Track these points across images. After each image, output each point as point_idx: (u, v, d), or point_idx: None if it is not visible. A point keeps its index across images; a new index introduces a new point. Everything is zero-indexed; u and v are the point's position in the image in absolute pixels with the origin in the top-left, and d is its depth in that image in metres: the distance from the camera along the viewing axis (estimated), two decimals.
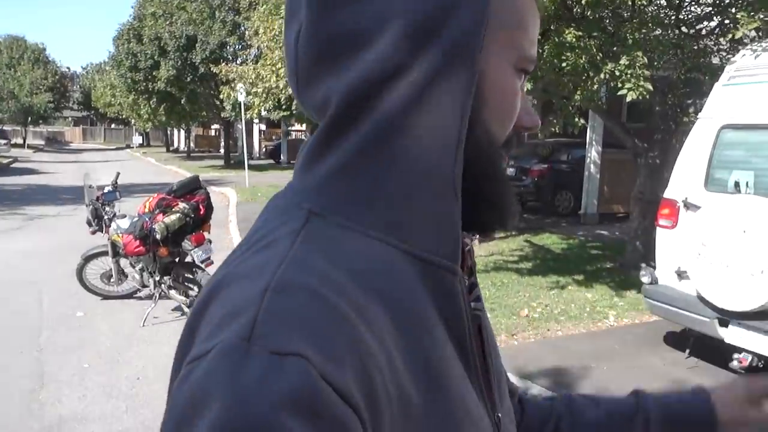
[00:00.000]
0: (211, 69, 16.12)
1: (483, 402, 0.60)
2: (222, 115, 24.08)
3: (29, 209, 13.14)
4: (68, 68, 64.22)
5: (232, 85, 14.23)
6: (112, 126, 61.21)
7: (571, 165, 11.91)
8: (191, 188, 5.49)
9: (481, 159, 0.58)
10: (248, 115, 14.45)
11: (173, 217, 5.18)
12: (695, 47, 6.44)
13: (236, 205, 13.23)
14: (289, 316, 0.45)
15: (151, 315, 5.59)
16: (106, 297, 6.28)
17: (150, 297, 5.85)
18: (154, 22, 22.79)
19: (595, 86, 5.68)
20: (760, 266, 3.86)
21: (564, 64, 5.53)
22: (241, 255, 0.54)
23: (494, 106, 0.58)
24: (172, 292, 5.58)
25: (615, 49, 5.72)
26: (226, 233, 9.87)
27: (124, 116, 38.19)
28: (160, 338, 5.24)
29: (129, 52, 23.94)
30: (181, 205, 5.28)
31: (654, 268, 4.86)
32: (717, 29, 6.60)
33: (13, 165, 27.94)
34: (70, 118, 67.26)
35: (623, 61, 5.44)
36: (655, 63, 5.97)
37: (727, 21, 6.28)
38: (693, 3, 6.56)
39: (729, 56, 6.34)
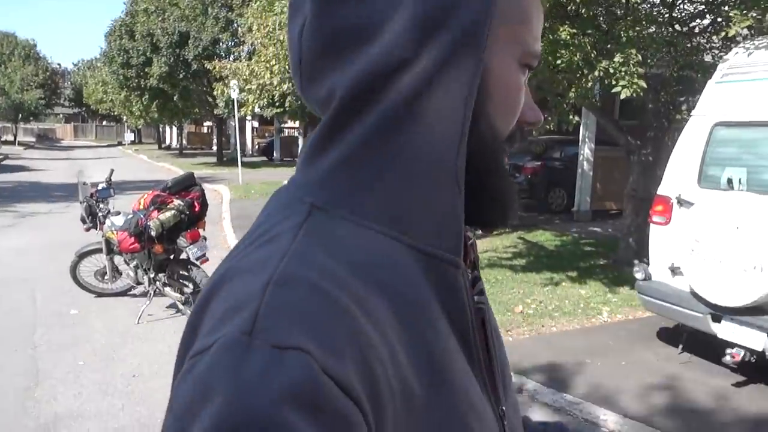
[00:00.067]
0: (205, 65, 16.03)
1: (487, 395, 0.60)
2: (215, 112, 24.00)
3: (21, 206, 13.06)
4: (59, 65, 63.69)
5: (226, 81, 14.19)
6: (104, 123, 60.89)
7: (564, 162, 11.96)
8: (186, 185, 5.48)
9: (484, 153, 0.58)
10: (242, 112, 14.42)
11: (168, 214, 5.16)
12: (688, 45, 6.48)
13: (229, 202, 13.20)
14: (291, 310, 0.45)
15: (145, 312, 5.58)
16: (100, 294, 6.26)
17: (144, 294, 5.84)
18: (146, 18, 22.68)
19: (590, 83, 5.71)
20: (752, 262, 3.90)
21: (559, 62, 5.56)
22: (244, 249, 0.54)
23: (498, 100, 0.58)
24: (167, 289, 5.56)
25: (609, 46, 5.75)
26: (220, 230, 9.86)
27: (115, 113, 38.03)
28: (155, 335, 5.23)
29: (121, 49, 23.81)
30: (176, 202, 5.26)
31: (647, 264, 4.90)
32: (710, 27, 6.63)
33: (4, 162, 27.73)
34: (61, 115, 66.91)
35: (617, 58, 5.47)
36: (649, 61, 6.01)
37: (719, 19, 6.32)
38: (686, 1, 6.59)
39: (721, 54, 6.38)
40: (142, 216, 5.16)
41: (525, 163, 11.90)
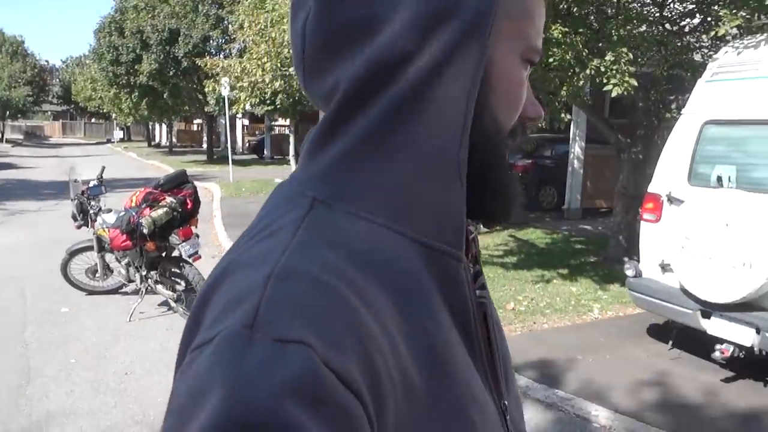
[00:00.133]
0: (196, 63, 15.94)
1: (489, 389, 0.60)
2: (205, 110, 23.89)
3: (9, 204, 12.96)
4: (47, 61, 63.21)
5: (217, 78, 14.13)
6: (93, 120, 60.42)
7: (554, 160, 12.01)
8: (178, 182, 5.46)
9: (487, 147, 0.59)
10: (233, 110, 14.37)
11: (160, 211, 5.14)
12: (678, 44, 6.53)
13: (220, 200, 13.16)
14: (292, 303, 0.45)
15: (137, 310, 5.56)
16: (91, 292, 6.23)
17: (136, 292, 5.83)
18: (136, 15, 22.53)
19: (581, 82, 5.75)
20: (742, 259, 3.94)
21: (551, 60, 5.58)
22: (246, 243, 0.54)
23: (501, 94, 0.58)
24: (159, 287, 5.55)
25: (600, 45, 5.79)
26: (211, 228, 9.83)
27: (104, 110, 37.76)
28: (147, 333, 5.22)
29: (110, 46, 23.65)
30: (168, 199, 5.25)
31: (638, 261, 4.94)
32: (700, 26, 6.69)
33: None
34: (49, 113, 66.37)
35: (609, 57, 5.50)
36: (639, 59, 6.05)
37: (709, 18, 6.38)
38: (676, 0, 6.64)
39: (711, 53, 6.44)
40: (134, 213, 5.14)
41: (516, 161, 11.94)
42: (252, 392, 0.40)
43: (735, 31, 5.76)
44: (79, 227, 5.99)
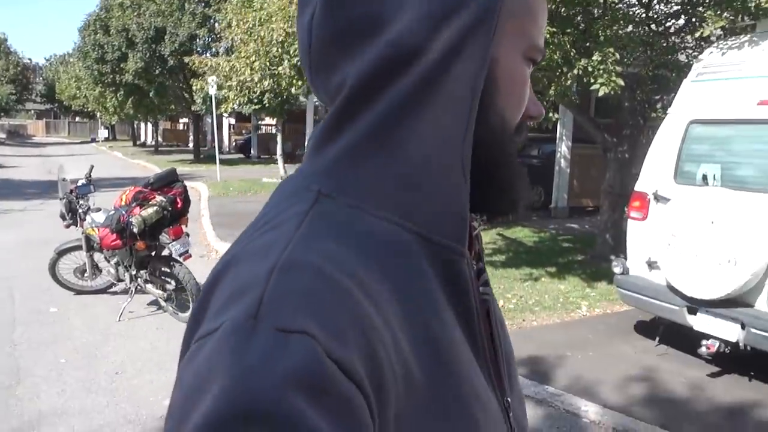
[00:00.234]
0: (184, 61, 15.83)
1: (492, 386, 0.60)
2: (192, 109, 23.75)
3: None
4: (30, 60, 62.46)
5: (204, 77, 14.07)
6: (77, 119, 59.85)
7: (541, 160, 12.09)
8: (168, 181, 5.45)
9: (494, 144, 0.59)
10: (221, 109, 14.31)
11: (150, 210, 5.13)
12: (663, 44, 6.62)
13: (208, 199, 13.10)
14: (295, 294, 0.45)
15: (127, 309, 5.54)
16: (79, 292, 6.19)
17: (125, 292, 5.80)
18: (121, 13, 22.33)
19: (569, 81, 5.80)
20: (727, 256, 4.01)
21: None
22: (250, 236, 0.54)
23: (506, 92, 0.59)
24: (149, 286, 5.53)
25: (587, 45, 5.85)
26: (199, 228, 9.80)
27: (89, 109, 37.41)
28: (137, 333, 5.20)
29: (96, 44, 23.43)
30: (159, 198, 5.23)
31: (625, 259, 5.00)
32: (685, 27, 6.78)
33: None
34: (32, 111, 65.68)
35: (596, 57, 5.57)
36: (625, 60, 6.12)
37: (694, 19, 6.46)
38: (662, 1, 6.72)
39: (695, 53, 6.54)
40: (124, 212, 5.12)
41: None
42: (255, 382, 0.41)
43: (719, 32, 5.86)
44: (68, 226, 5.95)
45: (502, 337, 0.67)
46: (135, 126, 42.20)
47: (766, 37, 4.70)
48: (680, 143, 4.73)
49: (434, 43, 0.53)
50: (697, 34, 5.92)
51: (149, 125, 40.21)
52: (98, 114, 37.12)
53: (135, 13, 21.75)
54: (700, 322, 4.29)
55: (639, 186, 4.95)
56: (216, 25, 19.35)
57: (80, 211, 5.79)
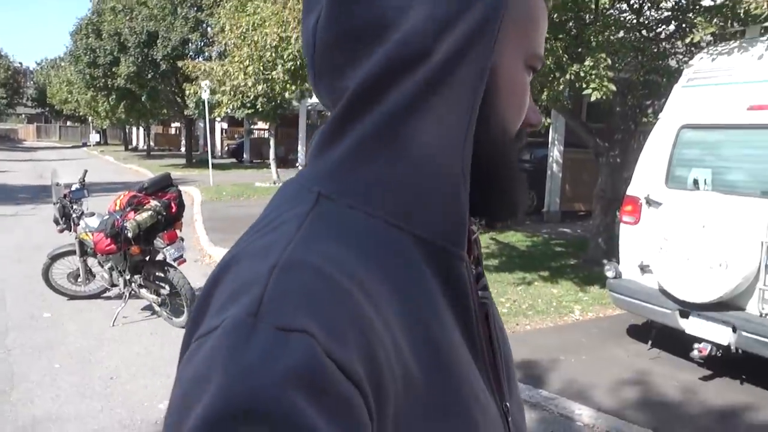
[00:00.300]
0: (177, 65, 15.79)
1: (491, 390, 0.60)
2: (185, 113, 23.70)
3: None
4: (21, 63, 62.22)
5: (197, 82, 14.05)
6: (68, 123, 59.58)
7: (533, 164, 12.14)
8: (163, 186, 5.45)
9: (495, 149, 0.59)
10: (215, 114, 14.29)
11: (145, 215, 5.13)
12: (654, 50, 6.68)
13: (201, 204, 13.08)
14: (296, 293, 0.46)
15: (121, 314, 5.53)
16: (72, 297, 6.17)
17: (119, 297, 5.79)
18: (113, 17, 22.29)
19: (561, 86, 5.85)
20: (718, 259, 4.05)
21: None
22: (251, 236, 0.54)
23: (507, 98, 0.59)
24: (143, 291, 5.52)
25: (579, 50, 5.90)
26: (193, 232, 9.77)
27: (80, 113, 37.27)
28: (131, 337, 5.19)
29: (87, 48, 23.35)
30: (153, 202, 5.23)
31: (617, 262, 5.04)
32: (675, 33, 6.84)
33: None
34: (23, 116, 65.36)
35: (588, 62, 5.61)
36: (617, 65, 6.18)
37: (684, 25, 6.53)
38: (652, 7, 6.79)
39: (685, 59, 6.60)
40: (118, 217, 5.11)
41: None
42: (255, 380, 0.41)
43: (709, 38, 5.92)
44: (61, 231, 5.93)
45: (502, 341, 0.68)
46: (127, 130, 42.04)
47: (756, 42, 4.76)
48: (671, 148, 4.77)
49: (438, 47, 0.54)
50: (688, 40, 5.99)
51: (141, 129, 40.06)
52: (90, 118, 36.99)
53: (127, 17, 21.70)
54: (692, 325, 4.32)
55: (631, 190, 4.99)
56: (209, 29, 19.36)
57: (74, 215, 5.77)
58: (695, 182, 4.59)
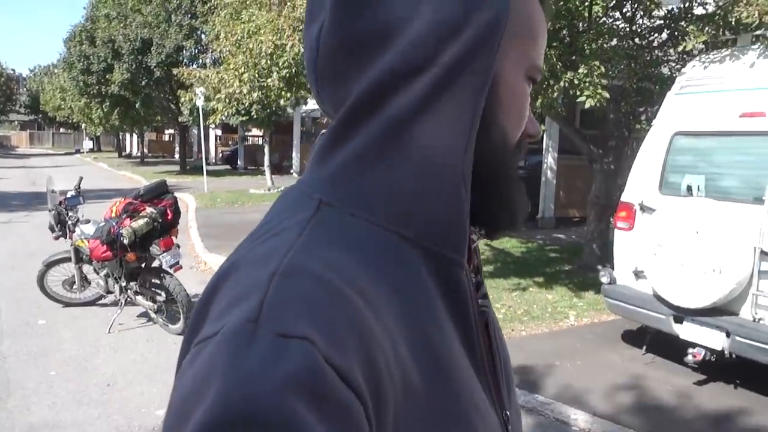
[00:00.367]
0: (172, 72, 15.79)
1: (490, 399, 0.60)
2: (179, 120, 23.68)
3: None
4: (14, 70, 61.99)
5: (192, 89, 14.06)
6: (61, 130, 59.41)
7: (528, 171, 12.17)
8: (158, 193, 5.46)
9: (495, 159, 0.60)
10: (210, 121, 14.30)
11: (141, 221, 5.13)
12: (647, 58, 6.74)
13: (195, 210, 13.07)
14: (296, 300, 0.46)
15: (116, 322, 5.52)
16: (68, 304, 6.16)
17: (114, 304, 5.78)
18: (107, 24, 22.27)
19: (555, 94, 5.89)
20: (712, 265, 4.09)
21: None
22: (251, 243, 0.54)
23: (508, 108, 0.60)
24: (139, 297, 5.51)
25: (573, 58, 5.95)
26: (187, 239, 9.76)
27: (74, 120, 37.18)
28: (127, 344, 5.18)
29: (81, 55, 23.33)
30: (149, 209, 5.24)
31: (612, 268, 5.08)
32: (668, 41, 6.91)
33: None
34: (16, 122, 65.14)
35: (581, 70, 5.66)
36: (610, 72, 6.23)
37: (677, 33, 6.60)
38: (645, 16, 6.86)
39: (678, 67, 6.67)
40: (114, 224, 5.12)
41: None
42: (254, 386, 0.41)
43: (701, 46, 5.98)
44: (57, 238, 5.92)
45: (501, 350, 0.68)
46: (120, 137, 41.97)
47: (747, 51, 4.82)
48: (665, 155, 4.82)
49: (442, 55, 0.54)
50: (680, 48, 6.05)
51: (135, 136, 39.99)
52: (83, 125, 36.90)
53: (121, 24, 21.69)
54: (686, 330, 4.36)
55: (625, 197, 5.03)
56: (203, 36, 19.38)
57: (69, 222, 5.77)
58: (689, 188, 4.63)
